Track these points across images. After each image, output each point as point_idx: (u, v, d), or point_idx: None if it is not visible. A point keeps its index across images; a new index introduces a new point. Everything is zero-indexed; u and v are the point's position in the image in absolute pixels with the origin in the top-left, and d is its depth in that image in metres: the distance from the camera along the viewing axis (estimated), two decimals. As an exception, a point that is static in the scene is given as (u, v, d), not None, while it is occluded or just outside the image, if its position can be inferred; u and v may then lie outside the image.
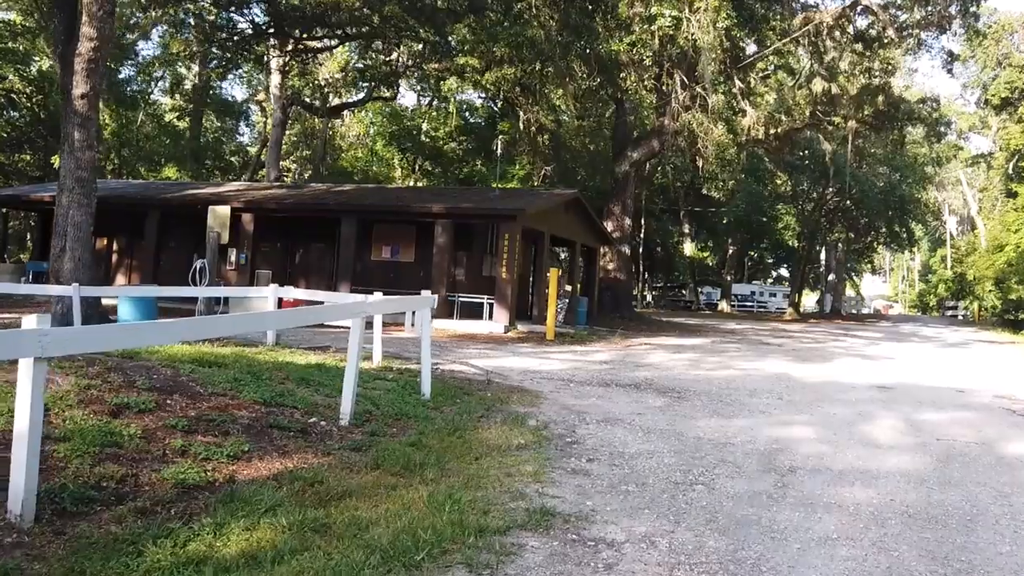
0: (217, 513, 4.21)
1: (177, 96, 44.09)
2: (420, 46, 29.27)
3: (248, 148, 53.44)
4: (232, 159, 51.99)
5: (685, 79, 23.18)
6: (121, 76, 39.44)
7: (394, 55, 32.46)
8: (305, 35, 28.76)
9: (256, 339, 12.19)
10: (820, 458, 6.77)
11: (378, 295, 10.51)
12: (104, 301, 14.50)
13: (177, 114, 44.86)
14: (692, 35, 19.22)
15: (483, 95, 42.80)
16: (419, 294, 11.34)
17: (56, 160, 22.09)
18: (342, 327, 13.32)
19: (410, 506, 4.63)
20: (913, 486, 5.98)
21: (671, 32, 19.74)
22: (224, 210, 13.38)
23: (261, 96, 46.01)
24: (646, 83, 23.88)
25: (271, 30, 28.28)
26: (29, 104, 36.36)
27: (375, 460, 5.61)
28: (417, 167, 49.24)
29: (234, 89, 58.39)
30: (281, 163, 43.83)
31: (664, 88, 25.18)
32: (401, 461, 5.62)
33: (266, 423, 6.18)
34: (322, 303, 11.64)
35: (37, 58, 35.61)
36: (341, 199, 24.23)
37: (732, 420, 8.45)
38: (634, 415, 8.41)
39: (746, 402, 9.78)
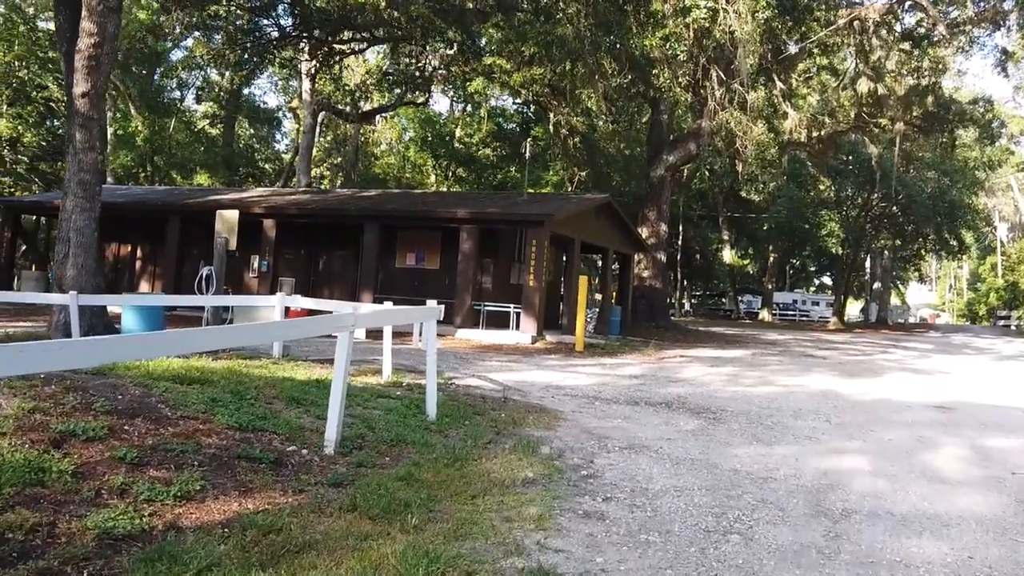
0: (135, 575, 3.43)
1: (208, 103, 44.08)
2: (449, 50, 28.64)
3: (283, 155, 53.37)
4: (266, 166, 51.96)
5: (723, 75, 22.10)
6: (154, 83, 39.51)
7: (423, 59, 31.86)
8: (331, 38, 28.29)
9: (264, 350, 11.52)
10: (878, 497, 5.81)
11: (387, 304, 9.75)
12: (112, 309, 14.01)
13: (208, 121, 44.87)
14: (729, 27, 18.19)
15: (516, 100, 42.08)
16: (443, 302, 10.62)
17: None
18: (358, 337, 12.50)
19: (379, 565, 3.81)
20: (993, 537, 5.00)
21: (707, 25, 18.74)
22: (232, 215, 12.75)
23: (295, 103, 45.87)
24: (680, 80, 22.86)
25: (296, 33, 27.86)
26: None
27: (352, 500, 4.80)
28: (450, 173, 48.67)
29: (268, 96, 58.61)
30: (314, 170, 43.63)
31: (700, 88, 24.15)
32: (383, 501, 4.80)
33: (234, 453, 5.40)
34: (331, 313, 10.90)
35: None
36: (363, 205, 23.56)
37: (774, 447, 7.49)
38: (663, 440, 7.51)
39: (790, 425, 8.81)
